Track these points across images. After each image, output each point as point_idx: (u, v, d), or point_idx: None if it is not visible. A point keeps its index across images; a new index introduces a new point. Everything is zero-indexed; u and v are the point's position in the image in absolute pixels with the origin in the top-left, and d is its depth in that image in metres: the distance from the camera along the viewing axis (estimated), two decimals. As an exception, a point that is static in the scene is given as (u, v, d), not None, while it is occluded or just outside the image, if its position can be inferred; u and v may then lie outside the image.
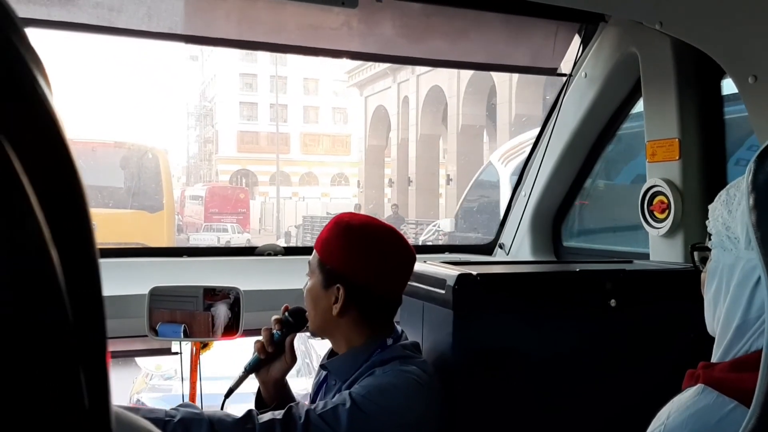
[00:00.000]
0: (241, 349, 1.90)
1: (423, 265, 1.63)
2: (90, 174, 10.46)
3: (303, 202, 28.83)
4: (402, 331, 1.47)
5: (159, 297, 1.80)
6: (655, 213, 2.06)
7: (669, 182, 2.01)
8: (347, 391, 1.31)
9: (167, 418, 1.25)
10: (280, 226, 26.03)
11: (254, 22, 2.17)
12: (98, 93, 49.97)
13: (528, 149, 2.68)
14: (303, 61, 34.93)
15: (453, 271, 1.52)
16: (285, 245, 2.96)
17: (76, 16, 1.88)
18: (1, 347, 0.24)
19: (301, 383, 3.59)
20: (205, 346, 1.98)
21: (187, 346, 1.96)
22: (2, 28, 0.26)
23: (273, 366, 1.51)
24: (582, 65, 2.32)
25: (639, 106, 2.21)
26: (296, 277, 1.98)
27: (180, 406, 1.40)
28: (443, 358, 1.50)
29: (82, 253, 0.27)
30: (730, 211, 0.97)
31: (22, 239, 0.24)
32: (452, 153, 20.44)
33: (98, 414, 0.27)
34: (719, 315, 0.99)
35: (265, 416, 1.29)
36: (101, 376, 0.28)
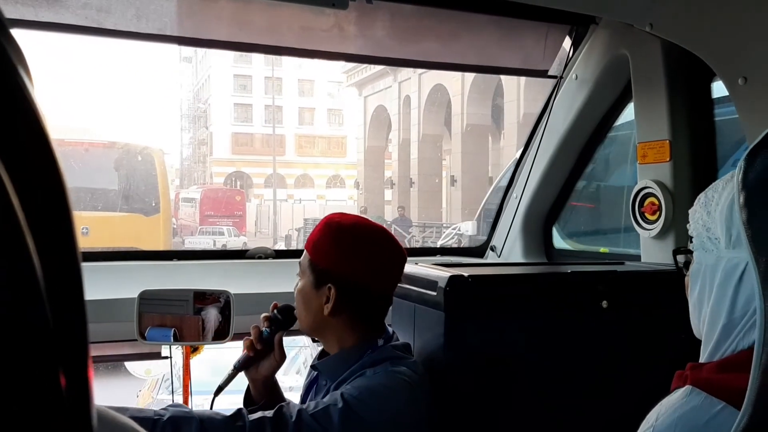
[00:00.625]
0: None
1: (414, 266, 1.63)
2: (82, 175, 10.34)
3: (300, 204, 28.68)
4: (393, 332, 1.48)
5: (149, 301, 1.80)
6: (646, 214, 2.06)
7: (660, 184, 2.02)
8: (338, 391, 1.31)
9: (156, 417, 1.25)
10: (276, 229, 25.84)
11: (245, 24, 2.17)
12: (88, 94, 49.77)
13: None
14: (298, 62, 34.97)
15: (444, 273, 1.52)
16: (285, 249, 2.94)
17: (63, 17, 1.87)
18: None
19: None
20: (195, 350, 1.97)
21: (177, 350, 1.95)
22: None
23: (262, 364, 1.51)
24: (572, 67, 2.32)
25: (630, 109, 2.21)
26: (287, 280, 1.97)
27: (170, 406, 1.40)
28: (434, 359, 1.49)
29: (63, 250, 0.27)
30: (709, 213, 0.98)
31: (1, 237, 0.24)
32: (457, 154, 20.14)
33: (79, 414, 0.27)
34: (704, 316, 0.99)
35: (256, 415, 1.29)
36: (82, 377, 0.27)
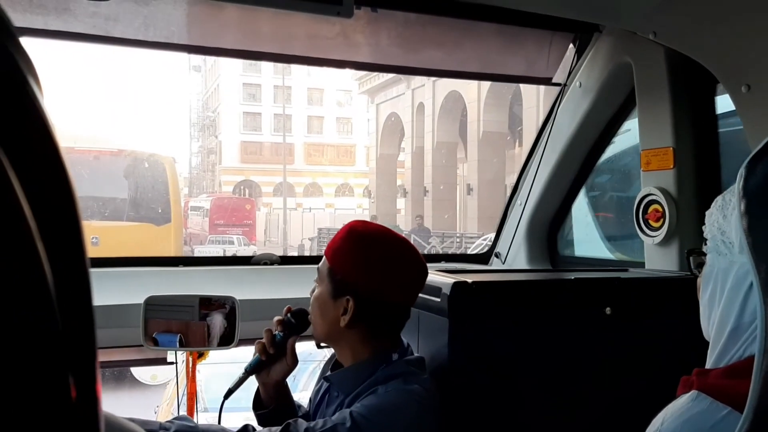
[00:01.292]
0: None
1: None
2: (92, 184, 10.19)
3: (310, 213, 28.51)
4: (408, 345, 1.45)
5: (154, 306, 1.80)
6: (650, 221, 2.06)
7: (663, 191, 2.02)
8: (348, 410, 1.29)
9: (161, 431, 1.25)
10: (287, 238, 25.56)
11: (252, 32, 2.19)
12: (96, 102, 49.87)
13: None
14: (307, 71, 35.07)
15: (448, 279, 1.52)
16: (291, 255, 2.95)
17: (72, 26, 1.89)
18: None
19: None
20: (201, 355, 1.98)
21: (182, 356, 1.95)
22: None
23: (274, 368, 1.49)
24: (576, 75, 2.33)
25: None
26: (292, 287, 1.99)
27: (175, 418, 1.40)
28: (438, 366, 1.49)
29: (73, 256, 0.27)
30: (725, 216, 0.98)
31: (12, 243, 0.24)
32: (473, 161, 19.71)
33: (88, 419, 0.28)
34: (714, 319, 0.99)
35: (263, 431, 1.28)
36: (90, 383, 0.28)
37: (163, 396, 5.54)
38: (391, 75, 21.95)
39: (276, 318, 1.50)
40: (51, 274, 0.26)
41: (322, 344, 1.48)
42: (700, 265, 1.07)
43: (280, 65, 27.14)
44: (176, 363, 2.02)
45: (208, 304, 1.84)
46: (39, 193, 0.26)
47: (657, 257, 2.06)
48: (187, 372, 1.96)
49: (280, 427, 1.27)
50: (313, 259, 2.35)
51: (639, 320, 1.65)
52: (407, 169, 23.69)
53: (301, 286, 1.62)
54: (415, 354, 1.47)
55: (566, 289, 1.68)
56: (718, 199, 1.02)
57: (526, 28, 2.21)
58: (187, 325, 1.83)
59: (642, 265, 2.12)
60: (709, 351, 1.01)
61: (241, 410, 1.71)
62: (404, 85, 23.07)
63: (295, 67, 30.30)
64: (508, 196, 2.71)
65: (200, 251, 20.94)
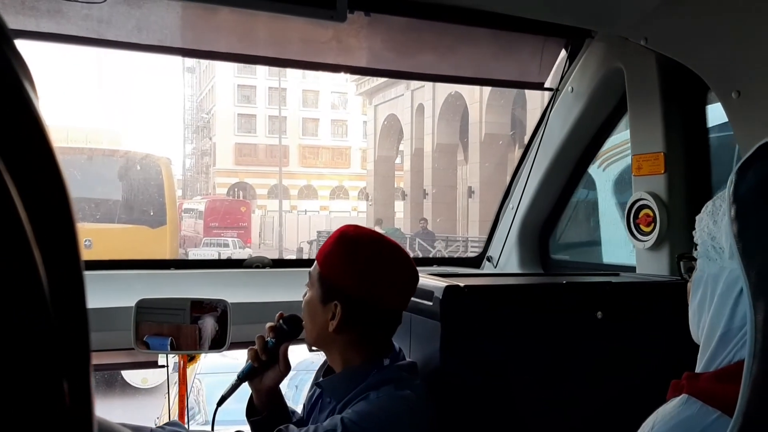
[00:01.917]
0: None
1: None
2: (85, 185, 10.05)
3: (305, 215, 28.34)
4: (399, 350, 1.44)
5: (146, 309, 1.79)
6: (641, 226, 2.07)
7: (654, 195, 2.03)
8: (339, 416, 1.28)
9: None
10: (282, 241, 25.37)
11: (245, 36, 2.19)
12: (89, 102, 49.56)
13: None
14: (302, 73, 35.01)
15: (440, 283, 1.52)
16: (283, 259, 2.95)
17: (65, 28, 1.88)
18: None
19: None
20: (192, 359, 1.98)
21: (173, 359, 1.95)
22: None
23: (266, 374, 1.48)
24: (568, 80, 2.34)
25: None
26: (284, 290, 1.99)
27: (167, 424, 1.39)
28: (431, 369, 1.49)
29: (68, 259, 0.28)
30: (715, 222, 0.99)
31: (7, 246, 0.24)
32: (474, 164, 19.30)
33: (81, 422, 0.28)
34: (703, 324, 1.00)
35: None
36: (84, 385, 0.28)
37: (163, 409, 5.51)
38: (389, 77, 21.69)
39: (268, 324, 1.50)
40: (46, 277, 0.26)
41: (313, 348, 1.48)
42: (691, 269, 1.07)
43: (274, 67, 27.03)
44: (167, 366, 2.02)
45: (200, 307, 1.84)
46: (34, 196, 0.26)
47: (648, 262, 2.07)
48: (179, 375, 1.96)
49: None
50: (305, 263, 2.36)
51: (630, 324, 1.66)
52: (406, 172, 23.37)
53: (293, 290, 1.62)
54: (408, 358, 1.46)
55: (558, 293, 1.68)
56: (708, 205, 1.02)
57: (518, 34, 2.21)
58: (179, 328, 1.83)
59: (633, 269, 2.13)
60: (699, 355, 1.01)
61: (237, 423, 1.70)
62: (403, 87, 22.72)
63: (290, 70, 30.21)
64: (500, 200, 2.71)
65: (195, 254, 20.64)
